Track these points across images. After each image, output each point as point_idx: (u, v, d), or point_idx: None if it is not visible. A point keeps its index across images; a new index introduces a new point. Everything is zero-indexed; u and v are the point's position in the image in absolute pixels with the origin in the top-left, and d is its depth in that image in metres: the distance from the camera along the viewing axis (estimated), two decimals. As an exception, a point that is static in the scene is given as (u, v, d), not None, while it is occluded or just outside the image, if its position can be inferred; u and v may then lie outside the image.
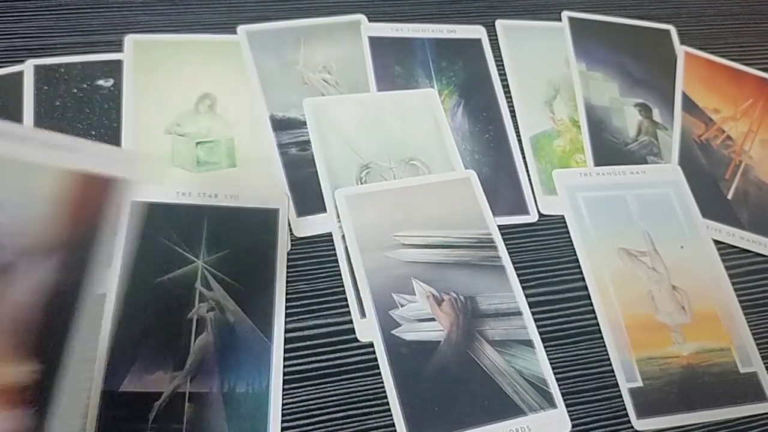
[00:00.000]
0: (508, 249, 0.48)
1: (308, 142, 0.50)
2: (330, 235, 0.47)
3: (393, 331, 0.43)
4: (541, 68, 0.58)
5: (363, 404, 0.42)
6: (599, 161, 0.54)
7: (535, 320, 0.45)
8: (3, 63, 0.49)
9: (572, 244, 0.50)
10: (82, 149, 0.24)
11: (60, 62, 0.50)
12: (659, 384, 0.45)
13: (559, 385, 0.43)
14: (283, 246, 0.46)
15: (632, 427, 0.43)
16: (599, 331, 0.46)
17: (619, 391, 0.44)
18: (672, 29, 0.63)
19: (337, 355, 0.43)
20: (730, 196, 0.55)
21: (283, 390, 0.41)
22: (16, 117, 0.47)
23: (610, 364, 0.45)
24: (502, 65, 0.58)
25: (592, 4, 0.63)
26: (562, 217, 0.51)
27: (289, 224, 0.47)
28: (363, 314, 0.44)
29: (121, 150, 0.24)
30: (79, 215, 0.23)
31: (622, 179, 0.53)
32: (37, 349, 0.22)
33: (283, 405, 0.40)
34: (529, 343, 0.44)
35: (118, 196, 0.24)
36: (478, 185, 0.50)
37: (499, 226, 0.49)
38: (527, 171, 0.53)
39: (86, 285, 0.23)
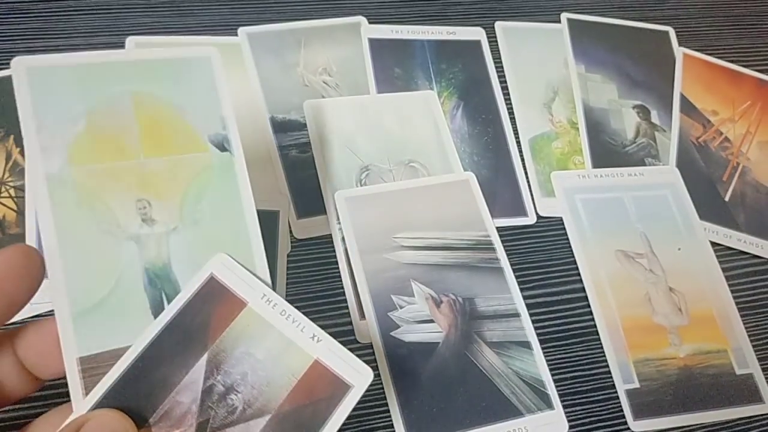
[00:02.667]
0: (506, 251, 0.48)
1: (308, 144, 0.50)
2: (330, 237, 0.47)
3: (392, 333, 0.43)
4: (540, 70, 0.59)
5: (362, 405, 0.42)
6: (597, 163, 0.54)
7: (533, 322, 0.46)
8: (4, 64, 0.50)
9: (570, 246, 0.50)
10: (329, 345, 0.29)
11: (61, 64, 0.50)
12: (656, 385, 0.45)
13: (556, 387, 0.44)
14: (284, 248, 0.46)
15: (629, 428, 0.44)
16: (596, 333, 0.47)
17: (616, 392, 0.45)
18: (670, 31, 0.64)
19: (337, 356, 0.44)
20: (727, 198, 0.55)
21: (283, 391, 0.41)
22: (17, 119, 0.47)
23: (607, 366, 0.46)
24: (502, 67, 0.58)
25: (591, 5, 0.64)
26: (561, 219, 0.51)
27: (290, 226, 0.47)
28: (362, 316, 0.44)
29: (361, 363, 0.29)
30: (303, 395, 0.29)
31: (620, 181, 0.53)
32: None
33: (282, 406, 0.41)
34: (526, 345, 0.45)
35: (338, 396, 0.29)
36: (476, 187, 0.50)
37: (497, 227, 0.49)
38: (526, 173, 0.53)
39: None
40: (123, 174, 0.30)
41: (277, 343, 0.29)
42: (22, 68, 0.30)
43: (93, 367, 0.28)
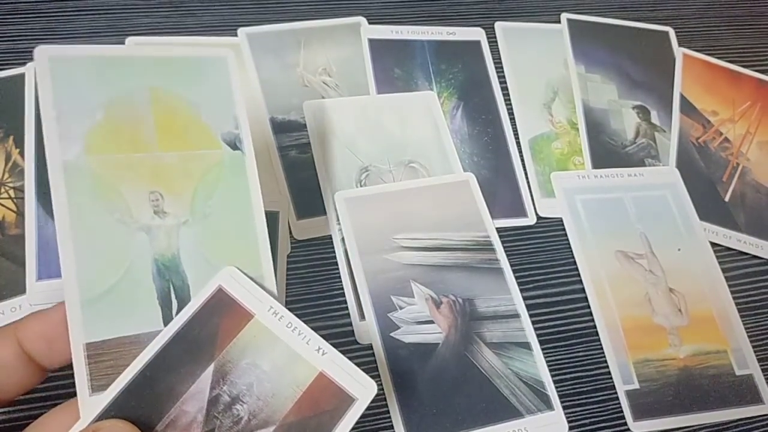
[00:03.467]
0: (506, 251, 0.48)
1: (308, 144, 0.50)
2: (330, 237, 0.47)
3: (392, 334, 0.43)
4: (540, 70, 0.59)
5: (362, 406, 0.42)
6: (597, 164, 0.54)
7: (533, 323, 0.46)
8: (4, 65, 0.50)
9: (570, 247, 0.50)
10: (334, 358, 0.30)
11: (61, 64, 0.50)
12: (656, 386, 0.45)
13: (556, 388, 0.44)
14: (283, 249, 0.46)
15: (629, 429, 0.44)
16: (596, 334, 0.47)
17: (616, 393, 0.45)
18: (670, 31, 0.64)
19: (337, 357, 0.44)
20: (727, 199, 0.55)
21: (283, 392, 0.41)
22: (18, 119, 0.47)
23: (607, 367, 0.46)
24: (501, 67, 0.58)
25: (591, 6, 0.64)
26: (560, 219, 0.51)
27: (289, 227, 0.47)
28: (362, 317, 0.44)
29: (365, 377, 0.30)
30: (307, 407, 0.29)
31: (620, 182, 0.53)
32: None
33: (282, 407, 0.41)
34: (526, 346, 0.45)
35: (342, 408, 0.29)
36: (476, 188, 0.50)
37: (497, 228, 0.49)
38: (525, 173, 0.53)
39: None
40: (138, 165, 0.31)
41: (283, 355, 0.30)
42: (44, 57, 0.31)
43: (99, 353, 0.28)
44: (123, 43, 0.51)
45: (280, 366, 0.29)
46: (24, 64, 0.49)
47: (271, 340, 0.30)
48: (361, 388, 0.30)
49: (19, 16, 0.53)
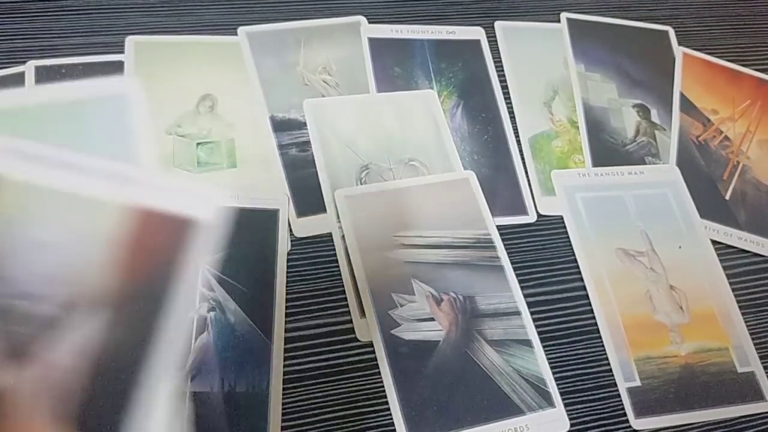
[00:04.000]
0: (506, 249, 0.48)
1: (308, 142, 0.50)
2: (330, 235, 0.47)
3: (392, 331, 0.43)
4: (540, 69, 0.59)
5: (362, 404, 0.42)
6: (598, 162, 0.54)
7: (534, 320, 0.46)
8: (4, 64, 0.50)
9: (570, 244, 0.50)
10: (145, 182, 0.21)
11: (61, 63, 0.50)
12: (657, 383, 0.45)
13: (557, 385, 0.44)
14: (284, 246, 0.46)
15: (630, 426, 0.44)
16: (597, 331, 0.47)
17: (618, 390, 0.45)
18: (670, 30, 0.64)
19: (337, 354, 0.44)
20: (727, 197, 0.55)
21: (283, 390, 0.41)
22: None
23: (608, 364, 0.46)
24: (501, 66, 0.58)
25: (591, 5, 0.64)
26: (561, 217, 0.51)
27: (289, 225, 0.47)
28: (362, 314, 0.44)
29: (202, 187, 0.22)
30: (139, 260, 0.20)
31: (621, 180, 0.53)
32: (81, 423, 0.20)
33: (282, 404, 0.41)
34: (527, 343, 0.45)
35: (183, 236, 0.21)
36: (477, 186, 0.50)
37: (497, 226, 0.49)
38: (526, 172, 0.53)
39: (146, 346, 0.20)
40: None
41: (71, 209, 0.20)
42: None
43: None
44: (122, 42, 0.51)
45: (72, 225, 0.20)
46: (23, 62, 0.49)
47: (45, 198, 0.20)
48: (200, 202, 0.21)
49: (17, 15, 0.53)
